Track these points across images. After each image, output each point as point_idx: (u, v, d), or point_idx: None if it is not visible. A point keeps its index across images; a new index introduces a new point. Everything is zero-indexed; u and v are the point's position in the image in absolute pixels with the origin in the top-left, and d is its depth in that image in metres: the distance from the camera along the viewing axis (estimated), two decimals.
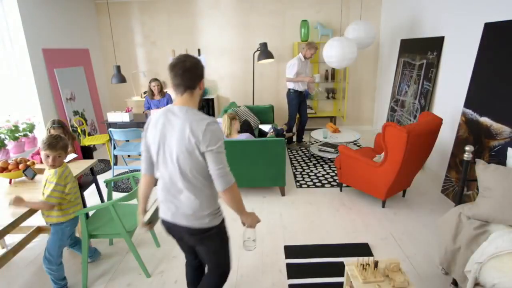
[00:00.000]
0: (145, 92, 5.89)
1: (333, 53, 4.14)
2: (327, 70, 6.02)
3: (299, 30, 5.78)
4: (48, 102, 4.61)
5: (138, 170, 4.40)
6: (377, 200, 3.50)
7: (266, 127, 4.62)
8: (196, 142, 1.42)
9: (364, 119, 6.41)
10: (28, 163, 2.52)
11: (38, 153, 2.88)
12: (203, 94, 1.57)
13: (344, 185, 3.85)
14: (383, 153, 3.14)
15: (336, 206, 3.43)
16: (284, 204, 3.50)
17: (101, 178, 4.29)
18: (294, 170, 4.40)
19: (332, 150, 4.70)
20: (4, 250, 2.78)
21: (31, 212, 2.09)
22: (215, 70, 6.22)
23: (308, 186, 3.93)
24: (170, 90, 5.95)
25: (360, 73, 6.12)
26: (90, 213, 3.21)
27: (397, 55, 5.14)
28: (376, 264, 1.82)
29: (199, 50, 6.09)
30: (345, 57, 4.11)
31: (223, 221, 1.65)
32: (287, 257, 2.62)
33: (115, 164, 4.46)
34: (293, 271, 2.46)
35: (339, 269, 2.43)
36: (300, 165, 4.59)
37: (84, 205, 2.99)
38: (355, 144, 5.35)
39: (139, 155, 4.40)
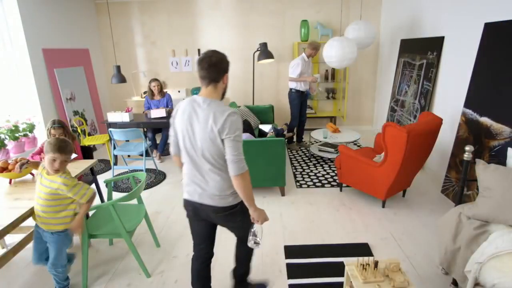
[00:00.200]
0: (145, 92, 5.89)
1: (333, 53, 4.14)
2: (327, 70, 6.02)
3: (299, 30, 5.78)
4: (48, 102, 4.61)
5: (138, 170, 4.43)
6: (377, 200, 3.50)
7: (266, 127, 4.62)
8: (218, 130, 1.58)
9: (364, 119, 6.41)
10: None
11: (38, 153, 2.88)
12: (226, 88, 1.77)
13: (344, 185, 3.85)
14: (383, 153, 3.14)
15: (336, 206, 3.43)
16: (284, 204, 3.50)
17: (101, 178, 4.29)
18: (294, 170, 4.40)
19: (332, 150, 4.70)
20: (4, 250, 2.77)
21: (31, 212, 2.09)
22: None
23: (308, 186, 3.93)
24: (170, 90, 5.96)
25: (360, 73, 6.12)
26: (90, 213, 3.21)
27: (397, 55, 5.14)
28: (376, 264, 1.82)
29: (199, 50, 6.09)
30: (345, 57, 4.11)
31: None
32: (287, 257, 2.63)
33: (115, 164, 4.46)
34: (293, 271, 2.46)
35: (339, 269, 2.43)
36: (300, 165, 4.59)
37: None
38: (355, 144, 5.35)
39: (140, 155, 4.41)
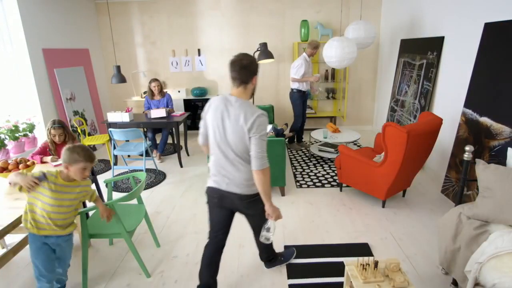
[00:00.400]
0: (145, 92, 5.89)
1: (333, 53, 4.14)
2: (327, 70, 6.02)
3: (299, 30, 5.78)
4: (48, 102, 4.61)
5: (138, 170, 4.43)
6: (377, 200, 3.50)
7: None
8: (247, 129, 1.76)
9: (364, 119, 6.41)
10: (28, 163, 2.52)
11: (38, 153, 2.88)
12: (255, 89, 1.96)
13: (344, 185, 3.85)
14: (383, 153, 3.14)
15: (336, 206, 3.43)
16: (284, 204, 3.50)
17: (101, 178, 4.29)
18: (294, 170, 4.40)
19: (332, 150, 4.70)
20: (4, 250, 2.78)
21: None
22: (215, 70, 6.22)
23: (308, 186, 3.93)
24: (169, 90, 5.96)
25: (360, 73, 6.12)
26: (90, 213, 3.22)
27: (397, 55, 5.14)
28: (376, 264, 1.82)
29: (199, 50, 6.10)
30: (345, 57, 4.10)
31: None
32: None
33: (115, 164, 4.46)
34: (293, 271, 2.46)
35: (339, 269, 2.43)
36: (300, 165, 4.59)
37: (84, 205, 2.99)
38: (355, 144, 5.35)
39: (140, 155, 4.41)
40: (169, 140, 5.86)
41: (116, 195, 3.84)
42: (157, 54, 6.15)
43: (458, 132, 3.42)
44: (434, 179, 3.98)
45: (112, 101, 6.46)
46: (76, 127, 5.00)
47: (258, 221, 2.07)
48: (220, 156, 1.89)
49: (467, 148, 2.33)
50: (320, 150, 4.80)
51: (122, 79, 4.71)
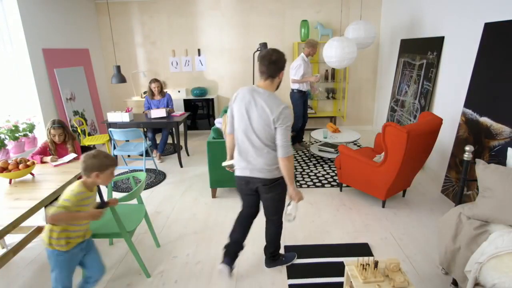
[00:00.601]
0: (145, 92, 5.90)
1: (333, 53, 4.14)
2: (327, 70, 6.02)
3: (299, 30, 5.78)
4: (48, 102, 4.61)
5: (138, 170, 4.43)
6: (377, 200, 3.50)
7: None
8: (273, 119, 1.92)
9: (364, 119, 6.41)
10: (28, 163, 2.52)
11: (38, 153, 2.88)
12: (280, 82, 2.10)
13: (344, 185, 3.85)
14: (383, 153, 3.14)
15: (336, 206, 3.43)
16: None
17: None
18: (294, 170, 4.40)
19: (332, 150, 4.70)
20: (4, 250, 2.78)
21: (31, 212, 2.09)
22: (215, 70, 6.22)
23: (308, 186, 3.93)
24: (169, 90, 5.96)
25: (360, 73, 6.12)
26: None
27: (397, 55, 5.14)
28: (376, 264, 1.82)
29: (199, 50, 6.10)
30: (345, 57, 4.10)
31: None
32: None
33: None
34: (293, 271, 2.46)
35: (339, 269, 2.43)
36: (300, 165, 4.59)
37: None
38: (355, 144, 5.35)
39: (140, 155, 4.41)
40: (169, 140, 5.86)
41: (116, 195, 3.83)
42: (157, 54, 6.15)
43: (458, 132, 3.42)
44: (434, 179, 3.98)
45: (112, 101, 6.46)
46: (76, 127, 5.00)
47: (273, 206, 2.22)
48: (244, 143, 2.04)
49: (467, 148, 2.33)
50: (320, 150, 4.80)
51: (122, 79, 4.71)
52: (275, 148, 2.00)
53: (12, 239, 2.92)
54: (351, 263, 1.91)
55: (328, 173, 4.27)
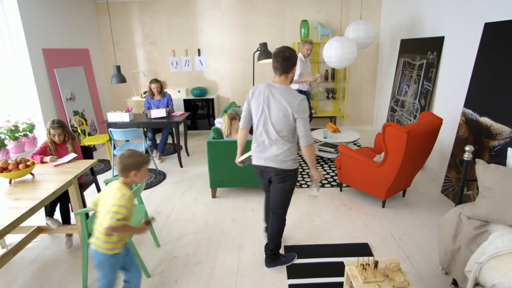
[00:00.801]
0: (145, 92, 5.90)
1: (333, 53, 4.14)
2: (327, 70, 6.02)
3: (299, 30, 5.78)
4: (48, 102, 4.61)
5: None
6: (377, 200, 3.50)
7: None
8: (292, 111, 2.05)
9: (364, 119, 6.41)
10: (28, 163, 2.52)
11: (38, 153, 2.88)
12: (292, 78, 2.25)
13: (344, 185, 3.85)
14: (383, 153, 3.14)
15: (336, 206, 3.43)
16: None
17: (101, 178, 4.30)
18: None
19: (332, 150, 4.70)
20: (4, 250, 2.78)
21: (31, 212, 2.08)
22: (215, 70, 6.22)
23: (308, 186, 3.93)
24: (169, 90, 5.96)
25: (360, 73, 6.12)
26: (90, 213, 3.22)
27: (397, 55, 5.14)
28: (376, 264, 1.82)
29: (199, 50, 6.10)
30: (345, 57, 4.10)
31: (298, 168, 2.27)
32: None
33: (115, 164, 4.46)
34: (293, 271, 2.46)
35: (339, 269, 2.43)
36: (300, 165, 4.59)
37: (84, 205, 2.99)
38: (355, 144, 5.35)
39: None
40: (169, 140, 5.87)
41: None
42: (157, 54, 6.15)
43: (458, 132, 3.42)
44: (434, 179, 3.98)
45: (112, 101, 6.46)
46: (76, 127, 5.00)
47: (281, 197, 2.31)
48: (262, 135, 2.18)
49: (467, 148, 2.33)
50: (320, 150, 4.80)
51: (122, 79, 4.71)
52: (289, 140, 2.16)
53: (12, 239, 2.93)
54: (351, 263, 1.91)
55: (328, 173, 4.27)
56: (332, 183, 3.98)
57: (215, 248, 2.77)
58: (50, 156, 2.84)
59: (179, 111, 5.66)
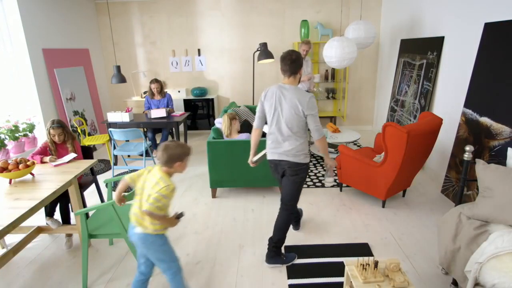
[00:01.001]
0: (145, 92, 5.90)
1: (333, 53, 4.14)
2: (327, 70, 6.02)
3: (299, 30, 5.78)
4: (48, 102, 4.61)
5: (138, 170, 4.41)
6: (377, 200, 3.50)
7: (266, 127, 4.61)
8: (302, 108, 2.23)
9: (364, 119, 6.41)
10: (28, 163, 2.52)
11: (38, 153, 2.88)
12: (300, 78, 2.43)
13: (344, 185, 3.85)
14: (383, 153, 3.14)
15: (336, 206, 3.43)
16: None
17: (101, 178, 4.30)
18: None
19: (332, 150, 4.70)
20: (4, 250, 2.78)
21: (31, 212, 2.09)
22: (215, 70, 6.22)
23: (308, 186, 3.93)
24: (169, 90, 5.96)
25: (360, 73, 6.12)
26: (90, 213, 3.22)
27: (397, 55, 5.14)
28: (376, 264, 1.82)
29: (199, 50, 6.10)
30: (345, 57, 4.10)
31: (309, 162, 2.43)
32: None
33: (115, 164, 4.46)
34: (293, 271, 2.46)
35: (339, 269, 2.43)
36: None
37: (84, 205, 2.99)
38: (355, 144, 5.35)
39: (140, 155, 4.40)
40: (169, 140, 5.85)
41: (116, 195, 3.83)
42: (157, 54, 6.15)
43: (458, 132, 3.42)
44: (434, 179, 3.98)
45: (112, 101, 6.46)
46: (76, 127, 5.00)
47: (292, 190, 2.43)
48: (275, 132, 2.35)
49: (467, 148, 2.33)
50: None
51: (122, 79, 4.71)
52: (301, 136, 2.32)
53: (12, 239, 2.93)
54: (351, 263, 1.91)
55: None
56: (332, 183, 3.98)
57: (215, 248, 2.77)
58: (50, 156, 2.84)
59: (179, 111, 5.67)
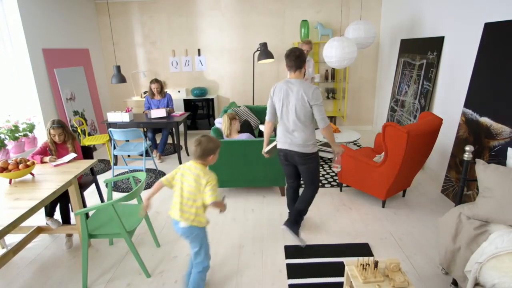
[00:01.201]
0: (145, 92, 5.90)
1: (333, 53, 4.14)
2: (327, 70, 6.02)
3: (299, 30, 5.78)
4: (48, 102, 4.61)
5: (138, 170, 4.43)
6: (377, 200, 3.50)
7: (261, 126, 4.60)
8: (308, 99, 2.40)
9: (364, 119, 6.41)
10: (28, 163, 2.52)
11: (38, 153, 2.88)
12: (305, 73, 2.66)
13: (344, 185, 3.85)
14: (383, 153, 3.14)
15: (336, 206, 3.43)
16: (284, 204, 3.50)
17: (101, 178, 4.30)
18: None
19: (329, 150, 4.70)
20: (4, 250, 2.78)
21: (31, 212, 2.09)
22: (215, 70, 6.22)
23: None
24: (169, 90, 5.96)
25: (360, 73, 6.12)
26: (90, 213, 3.22)
27: (397, 55, 5.14)
28: (376, 264, 1.82)
29: (199, 50, 6.10)
30: (345, 57, 4.10)
31: (317, 151, 2.61)
32: (287, 257, 2.62)
33: (115, 164, 4.46)
34: (293, 271, 2.46)
35: (339, 269, 2.43)
36: None
37: (84, 205, 2.99)
38: (355, 144, 5.35)
39: (140, 155, 4.40)
40: (169, 140, 5.86)
41: (116, 195, 3.84)
42: (157, 54, 6.15)
43: (458, 132, 3.42)
44: (434, 179, 3.98)
45: (112, 101, 6.46)
46: (76, 127, 5.00)
47: (308, 177, 2.65)
48: (285, 124, 2.54)
49: (467, 148, 2.33)
50: (320, 150, 4.80)
51: (122, 79, 4.71)
52: (308, 125, 2.48)
53: (12, 239, 2.93)
54: (351, 263, 1.91)
55: (328, 173, 4.26)
56: (332, 183, 3.98)
57: (215, 248, 2.77)
58: (50, 156, 2.84)
59: (179, 111, 5.66)
